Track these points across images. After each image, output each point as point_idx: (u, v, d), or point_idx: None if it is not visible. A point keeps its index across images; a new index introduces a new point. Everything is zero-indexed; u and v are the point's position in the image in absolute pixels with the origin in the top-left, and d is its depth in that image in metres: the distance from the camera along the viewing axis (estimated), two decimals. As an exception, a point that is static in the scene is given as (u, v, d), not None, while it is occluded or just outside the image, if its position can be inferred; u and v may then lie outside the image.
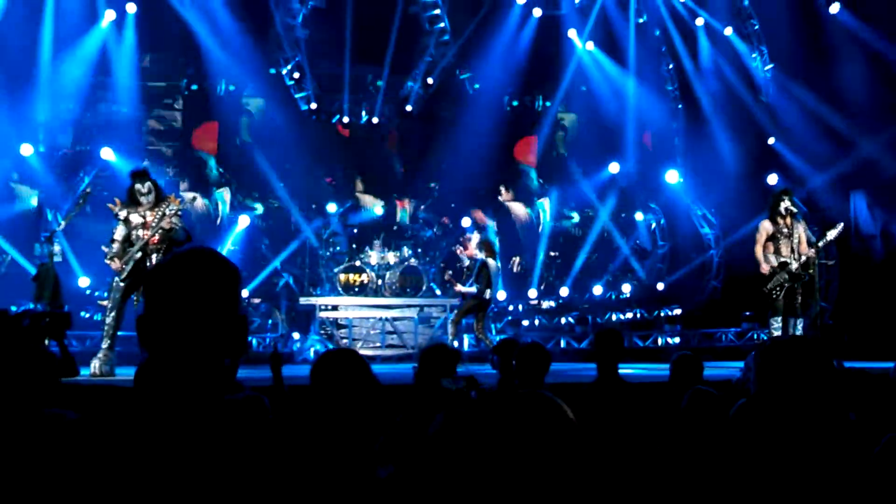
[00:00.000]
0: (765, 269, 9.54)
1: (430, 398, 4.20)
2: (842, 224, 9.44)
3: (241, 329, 1.81)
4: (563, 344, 13.57)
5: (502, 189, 16.36)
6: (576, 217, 16.33)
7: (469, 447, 2.02)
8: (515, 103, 16.44)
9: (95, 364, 8.52)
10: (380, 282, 12.99)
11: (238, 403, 1.95)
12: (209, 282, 1.77)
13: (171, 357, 1.77)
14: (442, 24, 15.19)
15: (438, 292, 13.21)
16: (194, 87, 15.21)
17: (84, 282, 12.83)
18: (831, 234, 9.32)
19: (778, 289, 9.56)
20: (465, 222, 14.18)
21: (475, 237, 12.46)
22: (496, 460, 1.89)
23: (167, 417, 1.75)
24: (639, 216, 15.89)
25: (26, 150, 13.44)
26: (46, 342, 7.39)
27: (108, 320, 8.85)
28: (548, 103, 16.44)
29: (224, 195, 14.72)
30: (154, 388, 1.79)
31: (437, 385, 4.30)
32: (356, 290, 12.91)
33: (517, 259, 15.88)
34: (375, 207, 15.36)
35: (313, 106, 15.10)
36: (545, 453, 1.87)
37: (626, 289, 14.82)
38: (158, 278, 1.80)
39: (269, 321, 13.31)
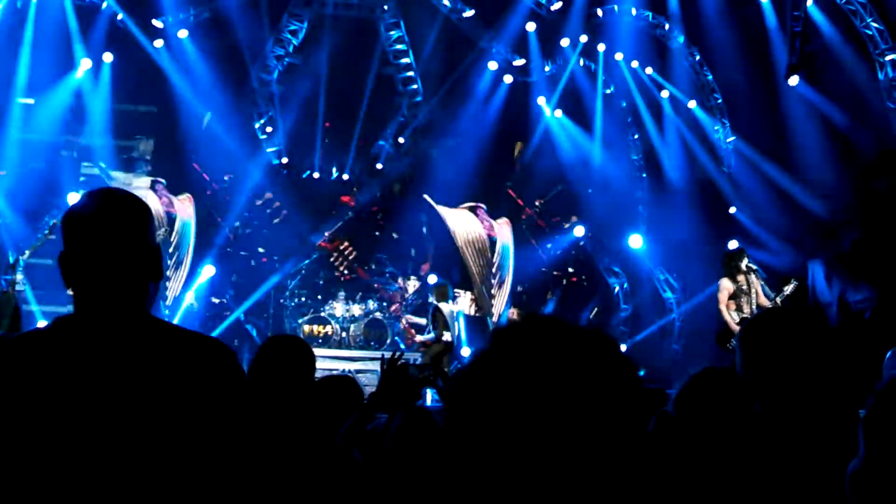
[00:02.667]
0: (735, 327, 9.73)
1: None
2: (795, 282, 9.70)
3: (156, 256, 1.99)
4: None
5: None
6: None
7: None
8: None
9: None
10: (344, 334, 12.98)
11: (202, 339, 2.01)
12: (120, 215, 1.96)
13: (95, 285, 1.93)
14: (415, 86, 15.54)
15: (403, 346, 13.19)
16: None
17: (43, 324, 12.61)
18: (787, 289, 9.61)
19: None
20: (431, 279, 14.20)
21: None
22: None
23: (98, 334, 1.90)
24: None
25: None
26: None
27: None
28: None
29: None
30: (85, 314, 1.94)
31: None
32: (320, 341, 12.88)
33: (469, 294, 14.06)
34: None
35: (284, 160, 15.24)
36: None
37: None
38: (73, 217, 1.97)
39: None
